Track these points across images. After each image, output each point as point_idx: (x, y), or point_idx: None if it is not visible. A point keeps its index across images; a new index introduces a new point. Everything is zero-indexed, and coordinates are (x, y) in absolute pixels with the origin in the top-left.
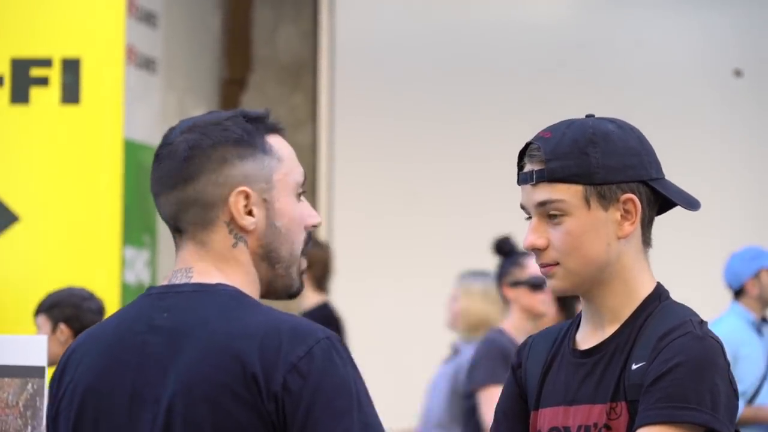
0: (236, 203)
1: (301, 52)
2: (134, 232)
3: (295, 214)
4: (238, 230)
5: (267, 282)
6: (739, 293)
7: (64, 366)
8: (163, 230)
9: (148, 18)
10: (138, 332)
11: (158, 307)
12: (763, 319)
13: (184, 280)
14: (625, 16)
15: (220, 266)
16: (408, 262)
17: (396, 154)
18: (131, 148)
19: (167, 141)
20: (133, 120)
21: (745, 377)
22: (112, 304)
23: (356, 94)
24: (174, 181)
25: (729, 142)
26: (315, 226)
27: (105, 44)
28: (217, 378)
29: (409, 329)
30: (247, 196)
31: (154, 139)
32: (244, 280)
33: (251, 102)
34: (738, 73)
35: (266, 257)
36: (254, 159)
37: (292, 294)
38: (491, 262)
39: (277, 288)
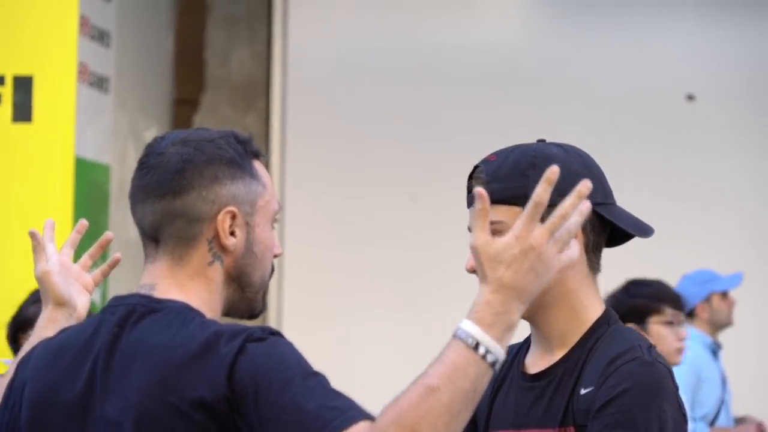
0: (223, 222)
1: (253, 73)
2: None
3: (269, 242)
4: (218, 249)
5: (232, 302)
6: (689, 316)
7: (17, 373)
8: (115, 249)
9: (100, 37)
10: (89, 346)
11: (110, 321)
12: (716, 344)
13: (143, 295)
14: (579, 39)
15: (186, 283)
16: (359, 289)
17: (348, 177)
18: (82, 167)
19: (157, 150)
20: (85, 138)
21: (707, 400)
22: None
23: (309, 116)
24: (162, 191)
25: (681, 166)
26: (277, 256)
27: (57, 62)
28: (160, 396)
29: (353, 369)
30: (233, 217)
31: (105, 158)
32: (207, 298)
33: (203, 123)
34: (690, 98)
35: (237, 279)
36: (243, 182)
37: (255, 315)
38: (450, 292)
39: (241, 309)
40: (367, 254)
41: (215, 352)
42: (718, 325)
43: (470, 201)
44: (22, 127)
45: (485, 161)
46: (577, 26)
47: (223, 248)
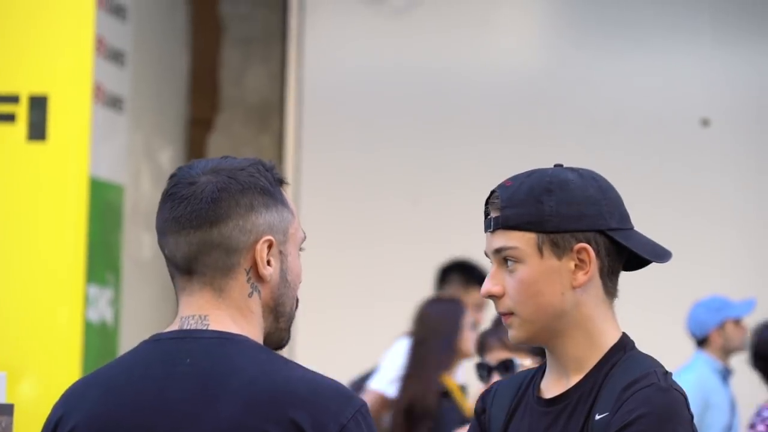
0: (261, 251)
1: (268, 94)
2: (98, 269)
3: (299, 270)
4: (255, 279)
5: (266, 334)
6: (702, 342)
7: (62, 412)
8: (127, 269)
9: (115, 56)
10: (155, 378)
11: (176, 352)
12: (726, 369)
13: (199, 327)
14: (594, 62)
15: (235, 316)
16: (372, 303)
17: (363, 197)
18: (97, 186)
19: (187, 180)
20: (99, 158)
21: (714, 425)
22: (74, 342)
23: (323, 136)
24: (198, 221)
25: (696, 191)
26: None
27: (72, 82)
28: (264, 429)
29: (356, 364)
30: (270, 246)
31: (120, 178)
32: (255, 332)
33: (218, 143)
34: (705, 123)
35: (274, 310)
36: (276, 210)
37: (281, 347)
38: None
39: (273, 341)
40: (381, 272)
41: (326, 404)
42: (730, 351)
43: (487, 225)
44: (36, 146)
45: (501, 186)
46: (592, 49)
47: (260, 278)
